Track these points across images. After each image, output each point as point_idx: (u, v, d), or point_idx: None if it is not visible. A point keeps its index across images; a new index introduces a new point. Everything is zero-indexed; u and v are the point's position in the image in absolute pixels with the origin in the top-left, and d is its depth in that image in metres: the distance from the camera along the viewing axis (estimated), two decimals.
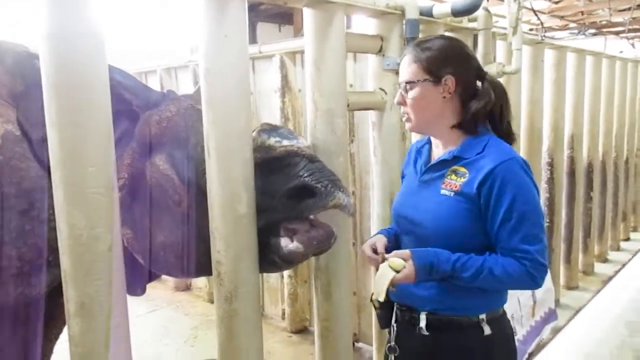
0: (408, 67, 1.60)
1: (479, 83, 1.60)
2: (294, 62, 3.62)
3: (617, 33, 11.73)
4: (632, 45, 11.28)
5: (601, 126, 4.95)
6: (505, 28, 3.19)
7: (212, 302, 4.39)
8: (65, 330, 1.63)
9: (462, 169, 1.55)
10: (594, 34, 11.77)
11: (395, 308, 1.72)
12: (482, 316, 1.57)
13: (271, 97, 3.73)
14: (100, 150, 1.44)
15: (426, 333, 1.60)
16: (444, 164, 1.60)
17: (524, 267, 1.46)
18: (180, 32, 6.16)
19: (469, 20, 2.74)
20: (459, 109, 1.59)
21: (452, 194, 1.54)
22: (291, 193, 1.66)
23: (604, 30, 11.63)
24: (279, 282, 4.08)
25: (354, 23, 6.22)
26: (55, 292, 1.74)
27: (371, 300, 1.70)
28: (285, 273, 3.89)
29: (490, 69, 2.68)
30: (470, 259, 1.49)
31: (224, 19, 1.64)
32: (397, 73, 2.32)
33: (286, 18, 10.47)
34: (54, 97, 1.40)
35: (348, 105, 2.14)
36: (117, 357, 1.54)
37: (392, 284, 1.49)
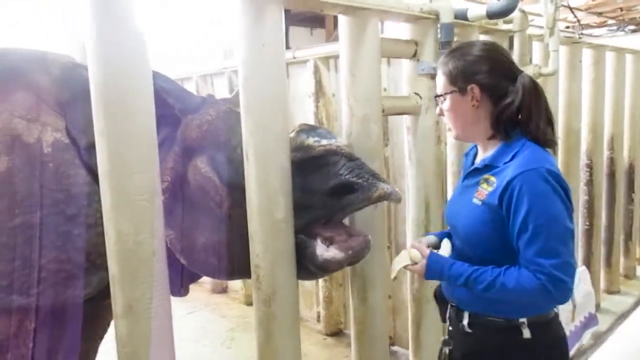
0: (438, 80, 1.65)
1: (512, 84, 1.57)
2: (328, 67, 3.65)
3: None
4: None
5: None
6: (541, 27, 3.15)
7: (248, 304, 4.47)
8: (110, 330, 1.70)
9: (492, 178, 1.55)
10: (634, 31, 11.43)
11: (449, 304, 1.75)
12: (523, 320, 1.56)
13: (305, 102, 3.76)
14: (145, 158, 1.50)
15: (469, 331, 1.63)
16: (478, 172, 1.61)
17: (539, 281, 1.42)
18: (214, 38, 6.27)
19: (505, 22, 2.72)
20: (492, 113, 1.59)
21: (480, 203, 1.55)
22: (332, 191, 1.69)
23: None
24: (314, 286, 4.11)
25: (386, 28, 6.21)
26: (100, 294, 1.81)
27: (434, 294, 1.81)
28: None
29: (527, 71, 2.63)
30: (484, 273, 1.50)
31: (261, 27, 1.68)
32: (432, 77, 2.32)
33: (318, 22, 10.53)
34: (102, 106, 1.47)
35: (383, 111, 2.15)
36: (160, 357, 1.59)
37: (407, 269, 1.65)
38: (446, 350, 1.73)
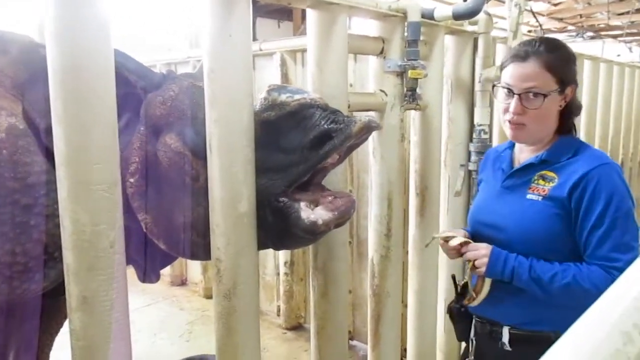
0: (537, 73, 1.46)
1: None
2: (295, 60, 3.64)
3: (615, 37, 11.78)
4: (630, 49, 11.31)
5: (597, 130, 4.99)
6: (505, 30, 3.22)
7: (208, 297, 4.43)
8: (66, 323, 1.65)
9: (551, 174, 1.49)
10: (592, 37, 11.82)
11: (474, 320, 1.65)
12: None
13: None
14: (105, 147, 1.46)
15: (509, 349, 1.53)
16: (531, 168, 1.54)
17: (612, 277, 1.35)
18: (179, 27, 6.15)
19: (470, 24, 2.76)
20: (564, 112, 1.54)
21: (540, 198, 1.48)
22: (312, 143, 1.65)
23: (602, 33, 11.68)
24: (275, 279, 4.11)
25: (353, 24, 6.23)
26: (58, 287, 1.75)
27: (448, 311, 1.68)
28: (282, 270, 3.92)
29: (490, 73, 2.70)
30: (550, 263, 1.43)
31: (228, 17, 1.66)
32: (397, 75, 2.34)
33: (285, 14, 10.47)
34: (60, 92, 1.42)
35: (349, 107, 2.16)
36: (117, 350, 1.56)
37: (462, 246, 1.54)
38: None
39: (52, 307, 1.92)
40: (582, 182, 1.42)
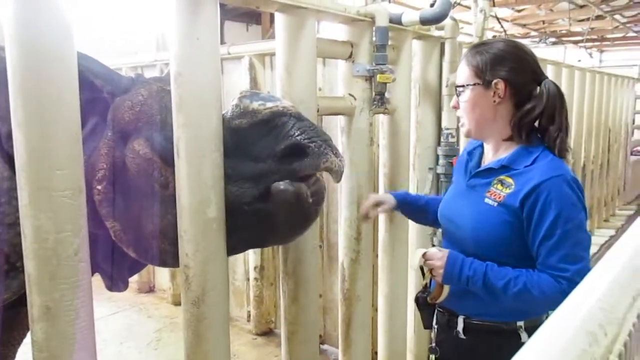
0: (461, 71, 1.60)
1: (536, 88, 1.55)
2: (263, 64, 3.62)
3: (576, 42, 12.13)
4: (590, 55, 11.66)
5: None
6: (470, 35, 3.28)
7: (176, 304, 4.36)
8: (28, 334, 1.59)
9: (509, 180, 1.52)
10: (554, 43, 12.15)
11: (436, 310, 1.72)
12: (520, 323, 1.54)
13: None
14: (68, 153, 1.42)
15: (463, 337, 1.61)
16: (491, 172, 1.57)
17: (560, 286, 1.41)
18: (146, 30, 6.07)
19: (437, 29, 2.80)
20: (513, 115, 1.55)
21: (496, 204, 1.51)
22: (283, 153, 1.63)
23: (564, 39, 12.02)
24: (244, 284, 4.07)
25: (322, 29, 6.25)
26: (20, 299, 1.69)
27: (415, 300, 1.74)
28: (251, 275, 3.88)
29: (455, 77, 2.74)
30: (504, 269, 1.48)
31: (196, 21, 1.64)
32: (366, 79, 2.35)
33: (254, 18, 10.43)
34: (20, 96, 1.38)
35: (318, 111, 2.16)
36: None
37: (426, 261, 1.61)
38: (432, 358, 1.71)
39: (14, 318, 1.85)
40: (534, 193, 1.45)
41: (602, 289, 0.61)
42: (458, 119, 1.67)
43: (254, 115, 1.68)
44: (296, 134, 1.63)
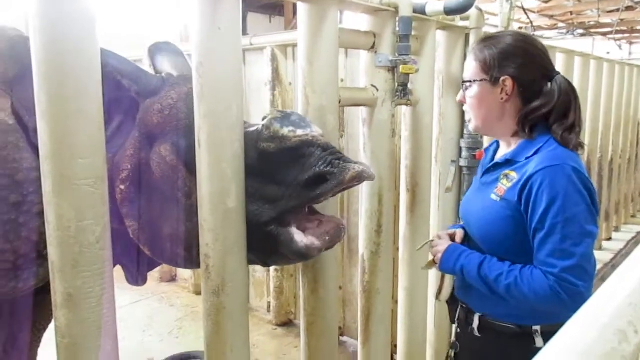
0: (469, 65, 1.56)
1: (546, 84, 1.50)
2: (285, 55, 3.61)
3: (604, 34, 11.86)
4: (619, 46, 11.38)
5: (587, 127, 5.01)
6: (496, 26, 3.21)
7: (197, 293, 4.41)
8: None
9: (512, 174, 1.48)
10: (582, 35, 11.88)
11: (459, 305, 1.71)
12: (536, 327, 1.48)
13: (261, 90, 3.72)
14: (90, 141, 1.43)
15: (478, 335, 1.58)
16: (498, 167, 1.55)
17: (548, 282, 1.35)
18: (169, 20, 6.10)
19: (462, 19, 2.75)
20: (520, 111, 1.51)
21: (499, 199, 1.49)
22: (307, 183, 1.65)
23: (592, 31, 11.75)
24: (265, 276, 4.09)
25: (344, 19, 6.21)
26: (47, 285, 1.72)
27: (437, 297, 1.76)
28: (272, 267, 3.90)
29: None
30: (500, 263, 1.46)
31: (218, 11, 1.63)
32: (389, 70, 2.33)
33: (277, 9, 10.43)
34: (44, 85, 1.39)
35: (340, 102, 2.14)
36: (103, 348, 1.53)
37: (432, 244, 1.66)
38: (452, 352, 1.71)
39: (41, 304, 1.89)
40: (529, 183, 1.40)
41: (631, 284, 0.59)
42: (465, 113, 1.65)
43: (282, 141, 1.68)
44: (320, 164, 1.63)
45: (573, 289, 1.34)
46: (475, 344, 1.61)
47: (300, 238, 1.68)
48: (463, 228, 1.72)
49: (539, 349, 1.48)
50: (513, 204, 1.45)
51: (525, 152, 1.49)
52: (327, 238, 1.70)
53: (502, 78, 1.48)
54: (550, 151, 1.44)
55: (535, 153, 1.46)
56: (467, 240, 1.68)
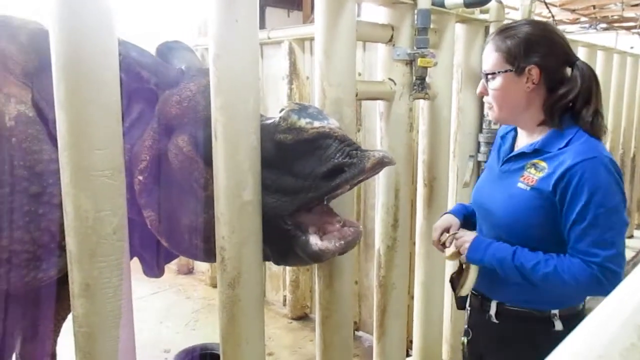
0: (489, 57, 1.53)
1: (568, 70, 1.50)
2: (303, 49, 3.60)
3: (628, 28, 11.61)
4: None
5: (609, 122, 4.92)
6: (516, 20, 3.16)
7: (214, 286, 4.43)
8: None
9: (542, 163, 1.48)
10: (605, 29, 11.66)
11: (470, 292, 1.71)
12: (555, 311, 1.52)
13: (278, 83, 3.71)
14: (108, 133, 1.44)
15: (495, 321, 1.60)
16: (524, 156, 1.54)
17: (591, 270, 1.38)
18: (187, 14, 6.12)
19: (481, 12, 2.71)
20: (546, 100, 1.51)
21: (528, 188, 1.48)
22: (325, 175, 1.64)
23: (616, 25, 11.51)
24: (280, 269, 4.10)
25: (362, 11, 6.17)
26: (66, 276, 1.75)
27: (450, 280, 1.75)
28: None
29: None
30: (534, 253, 1.46)
31: (235, 3, 1.63)
32: (406, 64, 2.30)
33: (295, 3, 10.39)
34: (62, 77, 1.40)
35: (357, 95, 2.13)
36: (119, 337, 1.55)
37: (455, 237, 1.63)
38: (464, 340, 1.71)
39: (61, 295, 1.92)
40: (567, 175, 1.41)
41: None
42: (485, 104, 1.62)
43: (299, 133, 1.67)
44: (338, 156, 1.63)
45: (615, 276, 1.38)
46: (494, 330, 1.62)
47: (316, 241, 1.68)
48: (455, 216, 1.74)
49: (558, 332, 1.50)
50: (546, 194, 1.45)
51: (556, 142, 1.49)
52: (343, 243, 1.70)
53: (527, 67, 1.48)
54: (582, 143, 1.45)
55: (567, 145, 1.47)
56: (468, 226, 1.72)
